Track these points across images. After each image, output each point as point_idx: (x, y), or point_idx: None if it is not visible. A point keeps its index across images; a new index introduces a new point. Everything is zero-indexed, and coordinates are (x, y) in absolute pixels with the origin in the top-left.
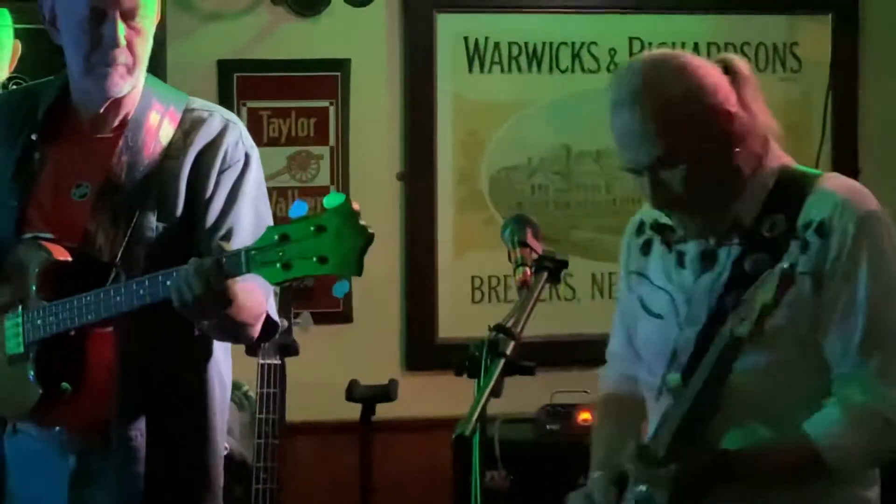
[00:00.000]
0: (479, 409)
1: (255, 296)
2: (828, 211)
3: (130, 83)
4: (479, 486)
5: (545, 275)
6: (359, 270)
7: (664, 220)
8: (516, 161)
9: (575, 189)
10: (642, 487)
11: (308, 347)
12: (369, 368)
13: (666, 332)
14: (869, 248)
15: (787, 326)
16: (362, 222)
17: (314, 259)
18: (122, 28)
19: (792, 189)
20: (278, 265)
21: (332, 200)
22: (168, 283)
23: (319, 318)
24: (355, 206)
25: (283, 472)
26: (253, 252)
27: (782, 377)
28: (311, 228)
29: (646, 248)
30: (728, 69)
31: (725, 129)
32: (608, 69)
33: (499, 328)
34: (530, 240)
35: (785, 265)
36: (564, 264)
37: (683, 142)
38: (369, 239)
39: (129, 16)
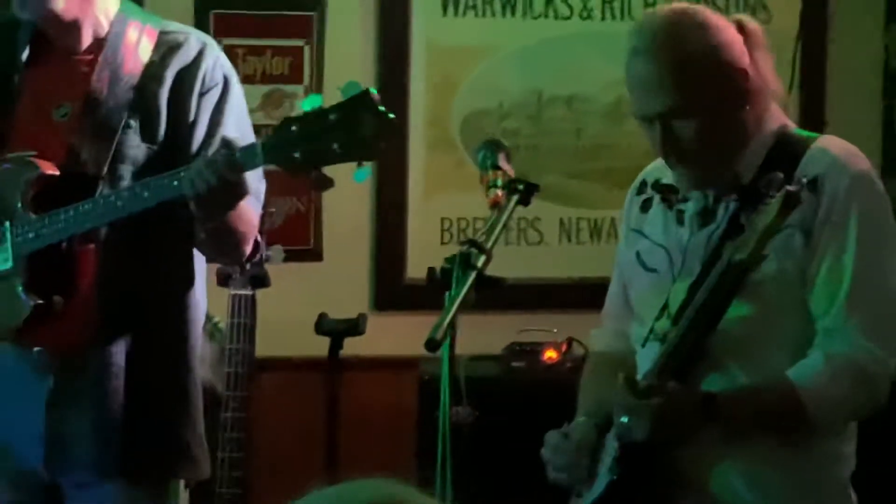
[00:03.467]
0: (449, 316)
1: (252, 209)
2: (821, 168)
3: None
4: (453, 387)
5: (516, 197)
6: (377, 154)
7: (666, 179)
8: (487, 105)
9: (545, 134)
10: (624, 418)
11: (278, 284)
12: (338, 306)
13: (660, 285)
14: (859, 207)
15: (775, 277)
16: (381, 108)
17: (335, 147)
18: None
19: (789, 149)
20: (296, 154)
21: (349, 89)
22: (175, 183)
23: (290, 256)
24: (374, 94)
25: (251, 402)
26: (269, 142)
27: (766, 326)
28: (330, 117)
29: (645, 206)
30: (742, 29)
31: (739, 86)
32: (580, 16)
33: (471, 242)
34: (503, 163)
35: (791, 187)
36: (536, 187)
37: (698, 95)
38: (391, 124)
39: None
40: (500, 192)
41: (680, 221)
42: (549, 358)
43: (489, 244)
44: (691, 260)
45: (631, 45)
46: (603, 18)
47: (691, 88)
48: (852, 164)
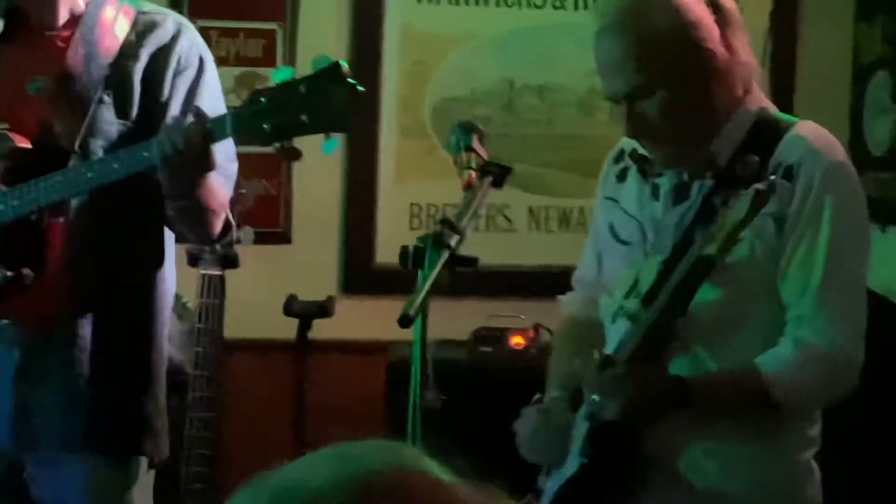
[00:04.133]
0: (423, 293)
1: (223, 187)
2: (797, 156)
3: None
4: (421, 370)
5: (490, 178)
6: (348, 126)
7: (644, 150)
8: (460, 92)
9: (516, 123)
10: (595, 397)
11: (247, 266)
12: (307, 289)
13: (631, 258)
14: (833, 197)
15: (746, 264)
16: (350, 80)
17: (303, 119)
18: None
19: (767, 132)
20: (266, 126)
21: (319, 62)
22: (145, 154)
23: (259, 238)
24: (344, 66)
25: (220, 383)
26: (239, 113)
27: (736, 311)
28: (300, 89)
29: (622, 175)
30: (715, 7)
31: (705, 64)
32: (553, 6)
33: (444, 222)
34: (476, 145)
35: (761, 185)
36: (509, 170)
37: (662, 73)
38: (359, 95)
39: None
40: (473, 174)
41: (655, 196)
42: (517, 344)
43: (462, 224)
44: (663, 236)
45: (597, 24)
46: (576, 8)
47: (654, 65)
48: (828, 154)
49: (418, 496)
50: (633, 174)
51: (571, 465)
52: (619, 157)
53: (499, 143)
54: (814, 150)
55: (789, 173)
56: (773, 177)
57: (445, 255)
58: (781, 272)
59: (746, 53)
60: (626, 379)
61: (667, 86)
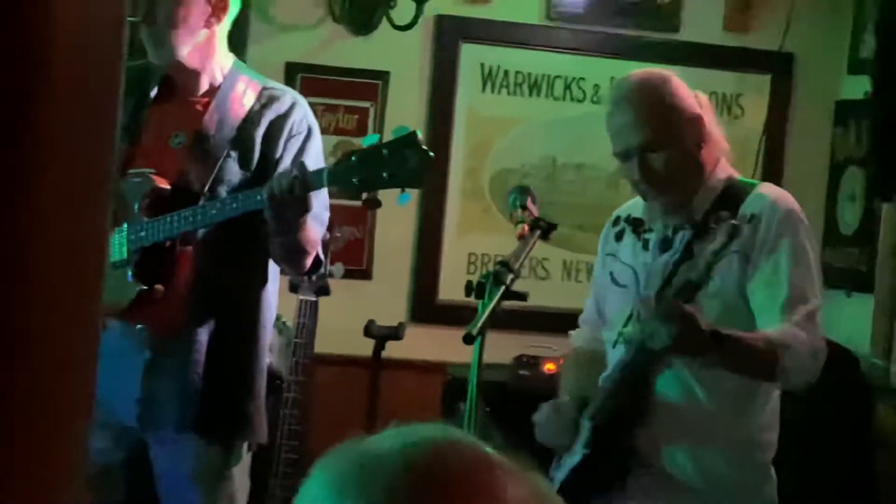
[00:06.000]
0: (483, 318)
1: (315, 230)
2: (759, 208)
3: (168, 51)
4: (476, 383)
5: (538, 232)
6: (421, 184)
7: (636, 214)
8: (513, 165)
9: (557, 192)
10: (647, 328)
11: (336, 294)
12: (382, 316)
13: (628, 297)
14: (790, 235)
15: (718, 293)
16: (424, 146)
17: (384, 175)
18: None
19: (735, 193)
20: (354, 179)
21: (399, 131)
22: (259, 197)
23: (347, 274)
24: (419, 135)
25: (309, 387)
26: (333, 168)
27: None
28: (383, 151)
29: (619, 236)
30: (698, 98)
31: (699, 132)
32: (592, 101)
33: (501, 263)
34: (529, 204)
35: (735, 221)
36: (554, 226)
37: (665, 132)
38: (430, 159)
39: None
40: (525, 227)
41: (645, 248)
42: (549, 369)
43: (516, 266)
44: (653, 278)
45: (611, 98)
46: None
47: (659, 126)
48: (783, 204)
49: (467, 457)
50: (628, 234)
51: (576, 457)
52: (616, 221)
53: (542, 209)
54: (772, 201)
55: (753, 220)
56: (746, 214)
57: (501, 289)
58: (751, 292)
59: (719, 134)
60: (679, 312)
61: (671, 144)
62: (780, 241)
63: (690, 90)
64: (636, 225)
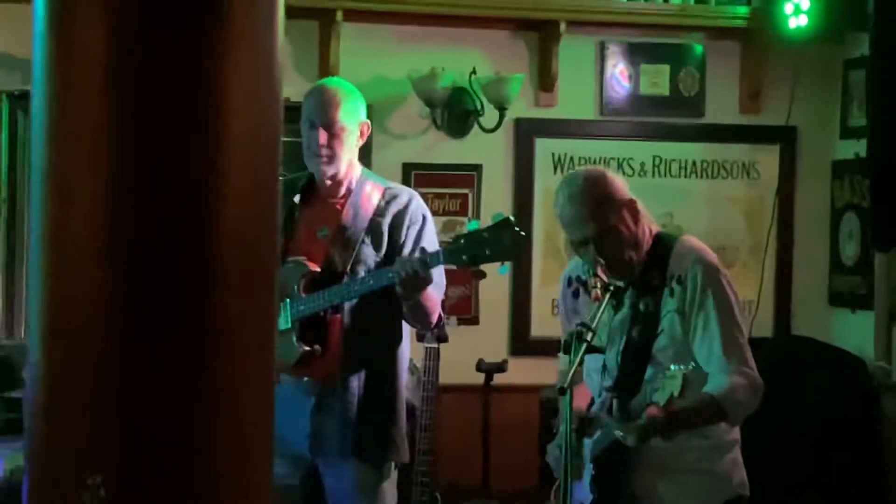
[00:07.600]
0: (571, 374)
1: (436, 296)
2: (683, 267)
3: (334, 167)
4: (570, 425)
5: (609, 295)
6: (516, 258)
7: (584, 276)
8: None
9: None
10: (619, 433)
11: (453, 339)
12: (489, 354)
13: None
14: (712, 289)
15: (667, 346)
16: (517, 228)
17: (487, 253)
18: (322, 135)
19: (661, 247)
20: (463, 257)
21: (497, 216)
22: (390, 274)
23: (460, 322)
24: (512, 219)
25: (437, 413)
26: (446, 249)
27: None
28: (484, 234)
29: (575, 294)
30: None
31: (632, 213)
32: (639, 175)
33: (582, 324)
34: (600, 271)
35: (666, 286)
36: (623, 289)
37: (610, 221)
38: (522, 238)
39: (328, 128)
40: (598, 292)
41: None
42: None
43: (593, 325)
44: (614, 335)
45: (563, 194)
46: (662, 175)
47: (604, 217)
48: (702, 259)
49: None
50: (582, 294)
51: (586, 482)
52: (570, 282)
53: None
54: (694, 259)
55: (680, 280)
56: (672, 284)
57: (584, 346)
58: (693, 345)
59: (643, 208)
60: (652, 432)
61: (618, 228)
62: (705, 296)
63: (622, 179)
64: (584, 285)
